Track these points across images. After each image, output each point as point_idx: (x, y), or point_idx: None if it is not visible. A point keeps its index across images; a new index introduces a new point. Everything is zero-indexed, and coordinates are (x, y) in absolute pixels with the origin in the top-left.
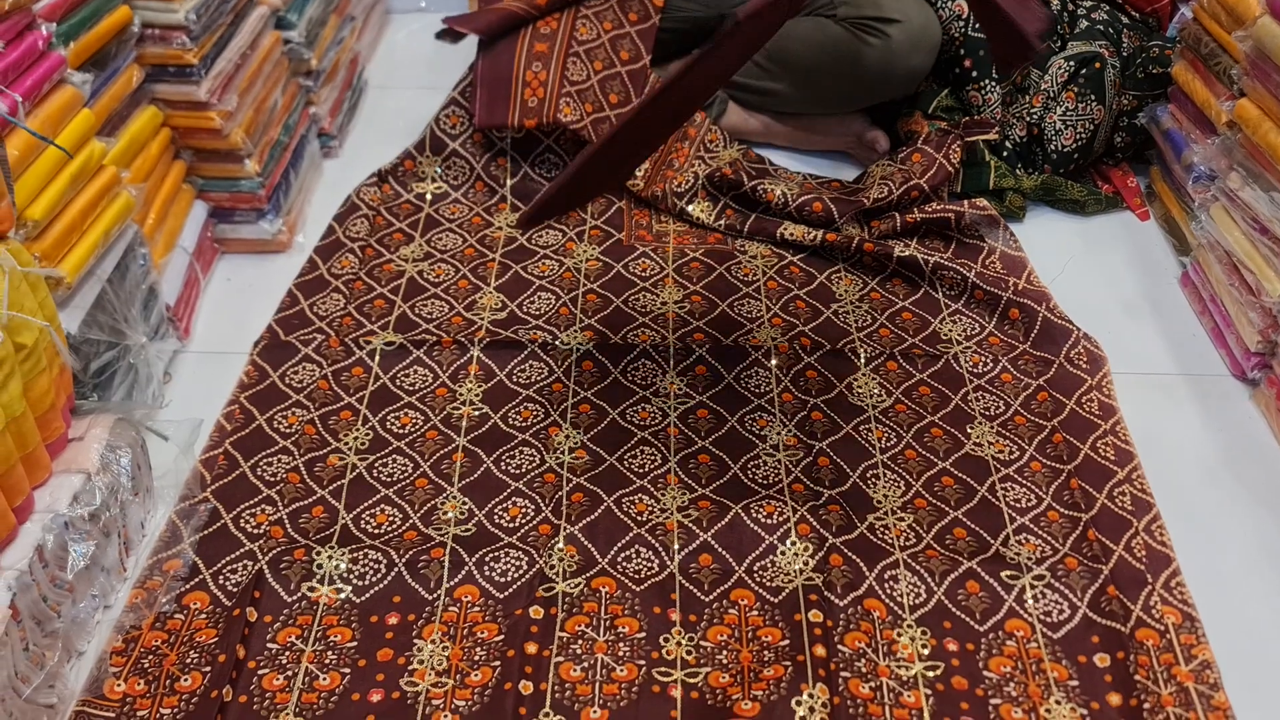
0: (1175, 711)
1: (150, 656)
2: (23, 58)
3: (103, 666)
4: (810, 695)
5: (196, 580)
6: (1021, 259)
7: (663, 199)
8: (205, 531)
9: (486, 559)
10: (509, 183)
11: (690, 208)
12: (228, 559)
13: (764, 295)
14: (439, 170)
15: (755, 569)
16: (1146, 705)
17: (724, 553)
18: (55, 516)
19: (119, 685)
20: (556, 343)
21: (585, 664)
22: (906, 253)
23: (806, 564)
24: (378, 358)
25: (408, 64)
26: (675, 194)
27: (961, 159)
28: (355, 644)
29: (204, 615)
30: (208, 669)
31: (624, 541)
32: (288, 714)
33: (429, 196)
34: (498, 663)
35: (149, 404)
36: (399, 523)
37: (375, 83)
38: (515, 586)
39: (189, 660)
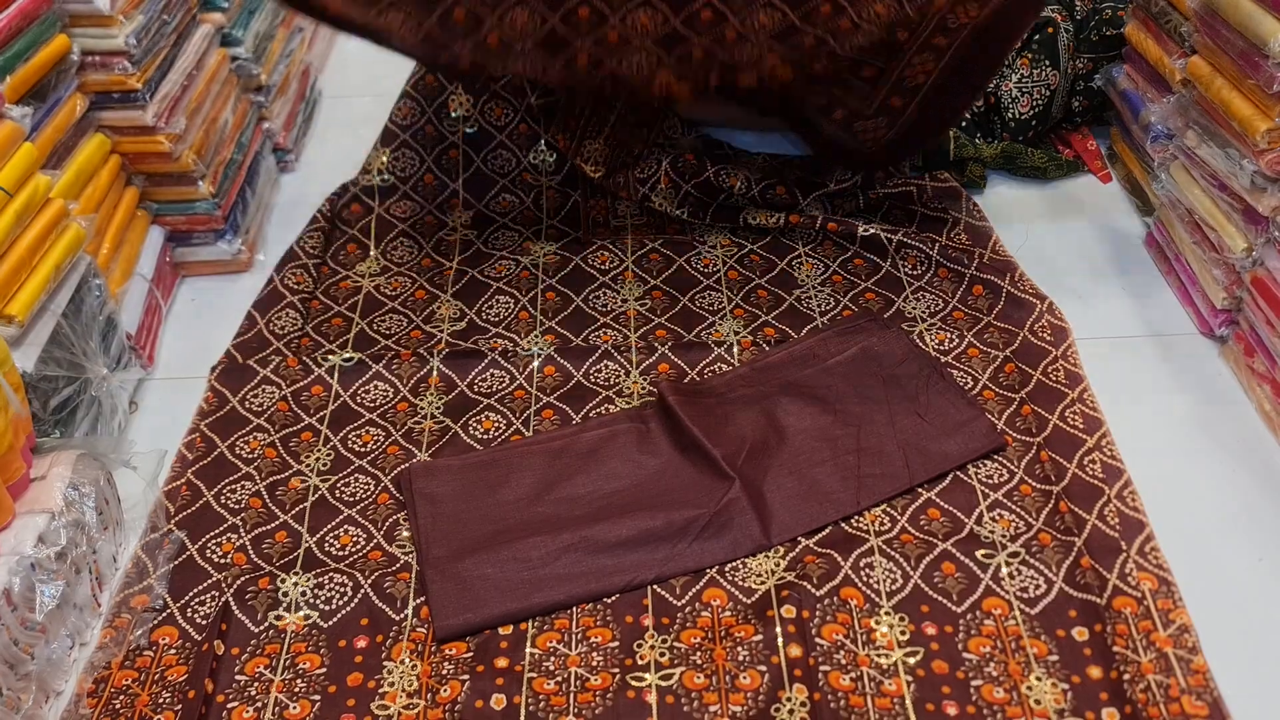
0: (1155, 679)
1: (122, 696)
2: None
3: (74, 709)
4: (788, 699)
5: (164, 615)
6: (986, 229)
7: (625, 185)
8: (171, 564)
9: None
10: (461, 176)
11: (653, 195)
12: (195, 591)
13: (725, 286)
14: (386, 161)
15: (727, 569)
16: (1127, 675)
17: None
18: (20, 559)
19: None
20: (517, 349)
21: (559, 678)
22: (869, 231)
23: (779, 564)
24: (337, 375)
25: (360, 72)
26: (638, 180)
27: None
28: (324, 670)
29: (173, 651)
30: (179, 707)
31: None
32: None
33: (376, 190)
34: (466, 676)
35: (113, 437)
36: (363, 543)
37: (329, 93)
38: None
39: (161, 700)
